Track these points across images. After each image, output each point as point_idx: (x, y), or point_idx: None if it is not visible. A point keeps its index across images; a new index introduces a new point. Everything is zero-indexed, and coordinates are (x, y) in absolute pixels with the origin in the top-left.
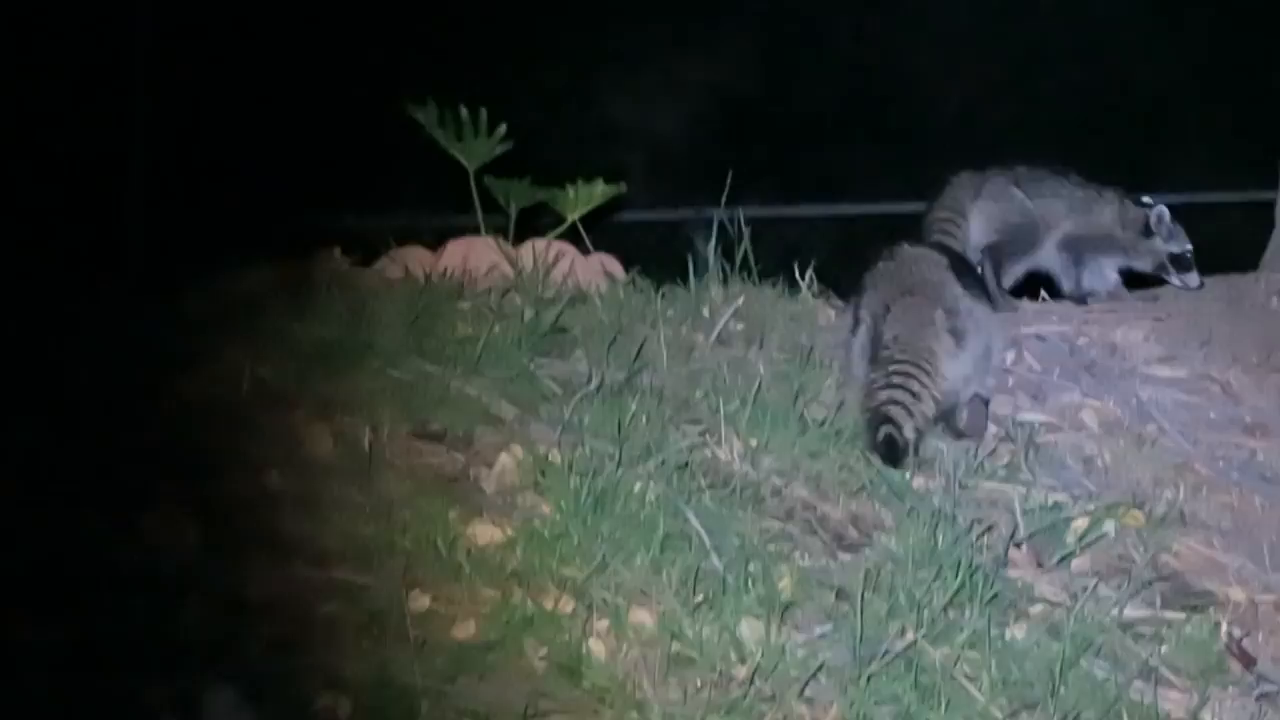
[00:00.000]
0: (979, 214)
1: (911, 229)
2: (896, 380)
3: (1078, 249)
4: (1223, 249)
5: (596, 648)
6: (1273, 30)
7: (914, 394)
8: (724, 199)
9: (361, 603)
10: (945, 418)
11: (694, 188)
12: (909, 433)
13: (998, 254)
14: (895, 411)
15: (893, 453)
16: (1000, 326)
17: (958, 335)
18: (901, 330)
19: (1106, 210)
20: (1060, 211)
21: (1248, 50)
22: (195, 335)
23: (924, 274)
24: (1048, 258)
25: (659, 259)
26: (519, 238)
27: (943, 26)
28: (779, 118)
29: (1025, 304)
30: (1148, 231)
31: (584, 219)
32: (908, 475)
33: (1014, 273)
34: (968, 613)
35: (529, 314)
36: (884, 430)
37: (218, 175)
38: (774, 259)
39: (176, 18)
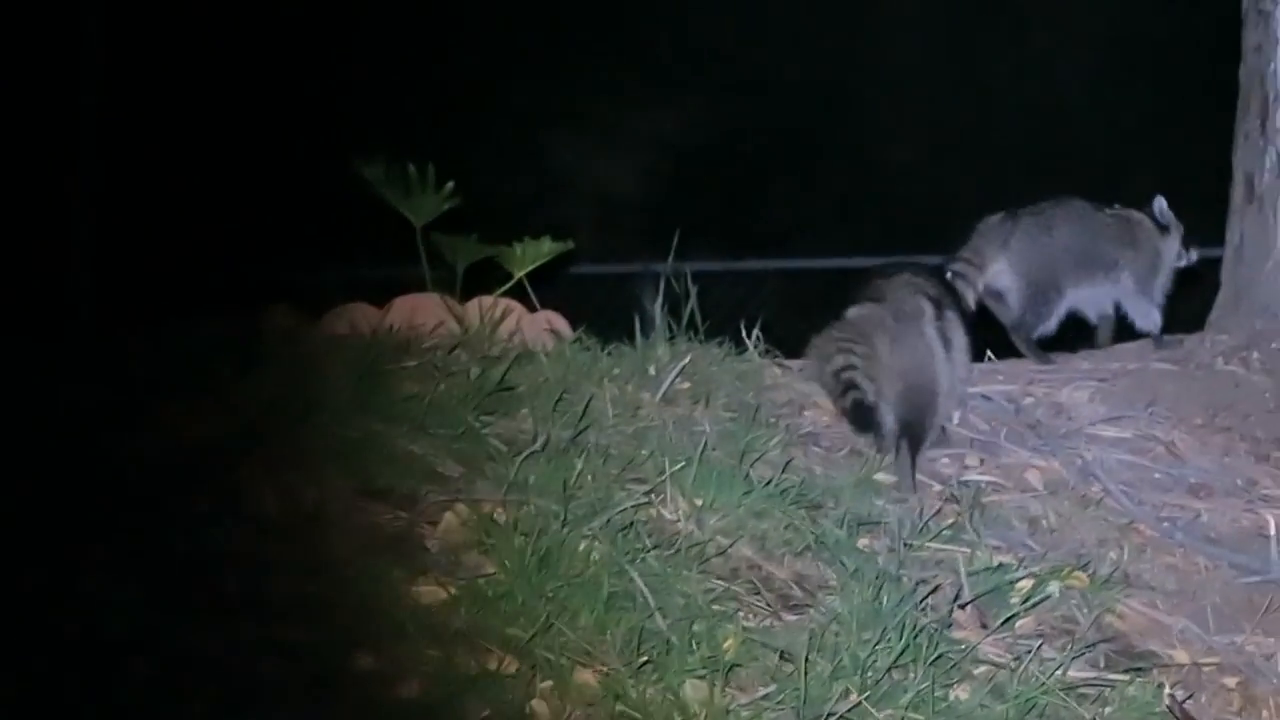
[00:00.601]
0: (1006, 262)
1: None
2: (845, 346)
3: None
4: (1169, 308)
5: (540, 708)
6: (1219, 92)
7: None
8: (671, 255)
9: (305, 662)
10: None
11: (641, 244)
12: (871, 396)
13: (1026, 305)
14: (855, 376)
15: (860, 416)
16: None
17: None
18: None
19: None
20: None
21: (1194, 111)
22: (141, 390)
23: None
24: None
25: (606, 316)
26: (466, 295)
27: (890, 84)
28: (726, 174)
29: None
30: (1162, 229)
31: (531, 276)
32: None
33: (1051, 317)
34: (912, 674)
35: (475, 372)
36: (851, 396)
37: (166, 230)
38: (721, 315)
39: (127, 72)
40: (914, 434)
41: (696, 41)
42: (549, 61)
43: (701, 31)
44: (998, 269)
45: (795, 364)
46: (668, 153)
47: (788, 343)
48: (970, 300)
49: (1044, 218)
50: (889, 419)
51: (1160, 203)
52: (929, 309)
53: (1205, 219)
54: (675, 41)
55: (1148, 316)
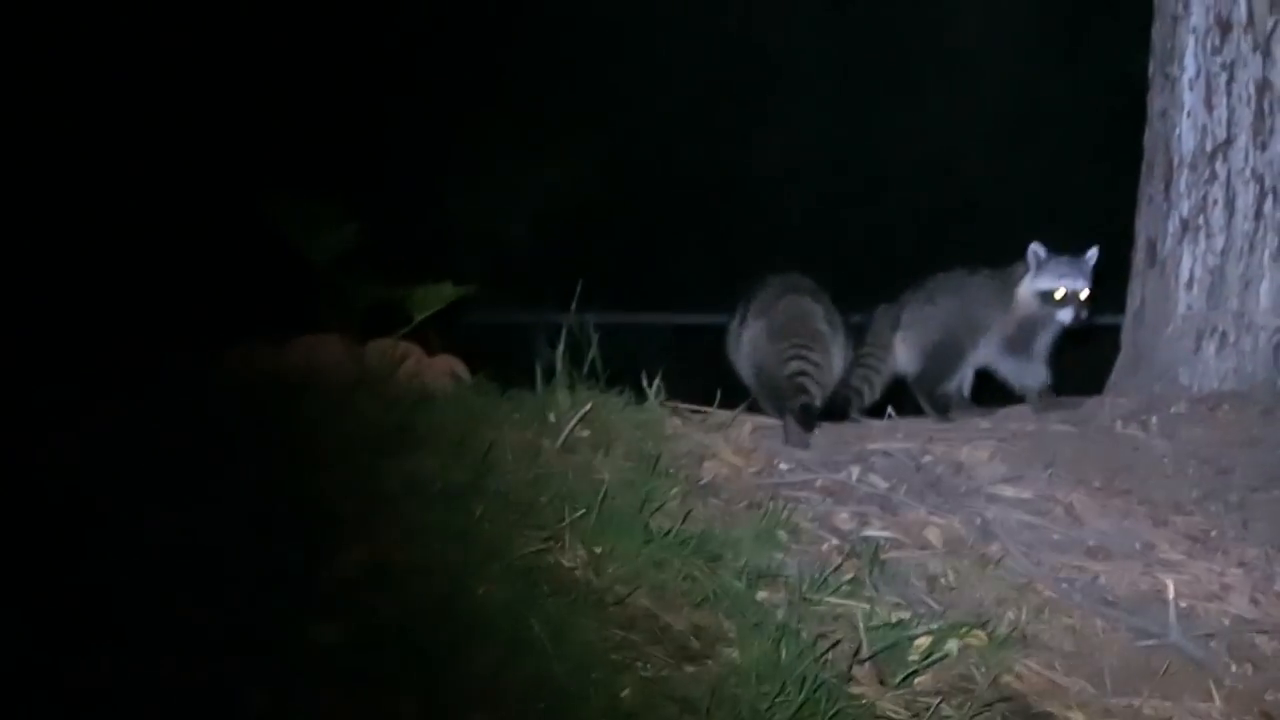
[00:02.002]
0: (902, 344)
1: None
2: (800, 353)
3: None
4: (1070, 374)
5: None
6: (1120, 157)
7: (816, 365)
8: (573, 305)
9: (198, 699)
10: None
11: (542, 293)
12: (818, 401)
13: (926, 379)
14: (805, 381)
15: (809, 419)
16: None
17: (833, 325)
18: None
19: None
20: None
21: (1095, 177)
22: (21, 437)
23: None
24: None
25: (506, 363)
26: (366, 338)
27: (789, 142)
28: (623, 228)
29: (872, 423)
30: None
31: (432, 323)
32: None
33: (952, 376)
34: None
35: (374, 413)
36: (800, 400)
37: (59, 266)
38: (617, 366)
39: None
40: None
41: (594, 96)
42: (448, 112)
43: (599, 86)
44: (898, 349)
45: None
46: (563, 206)
47: (681, 396)
48: (879, 385)
49: (925, 290)
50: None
51: (1033, 248)
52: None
53: (1104, 284)
54: (573, 94)
55: (1021, 376)
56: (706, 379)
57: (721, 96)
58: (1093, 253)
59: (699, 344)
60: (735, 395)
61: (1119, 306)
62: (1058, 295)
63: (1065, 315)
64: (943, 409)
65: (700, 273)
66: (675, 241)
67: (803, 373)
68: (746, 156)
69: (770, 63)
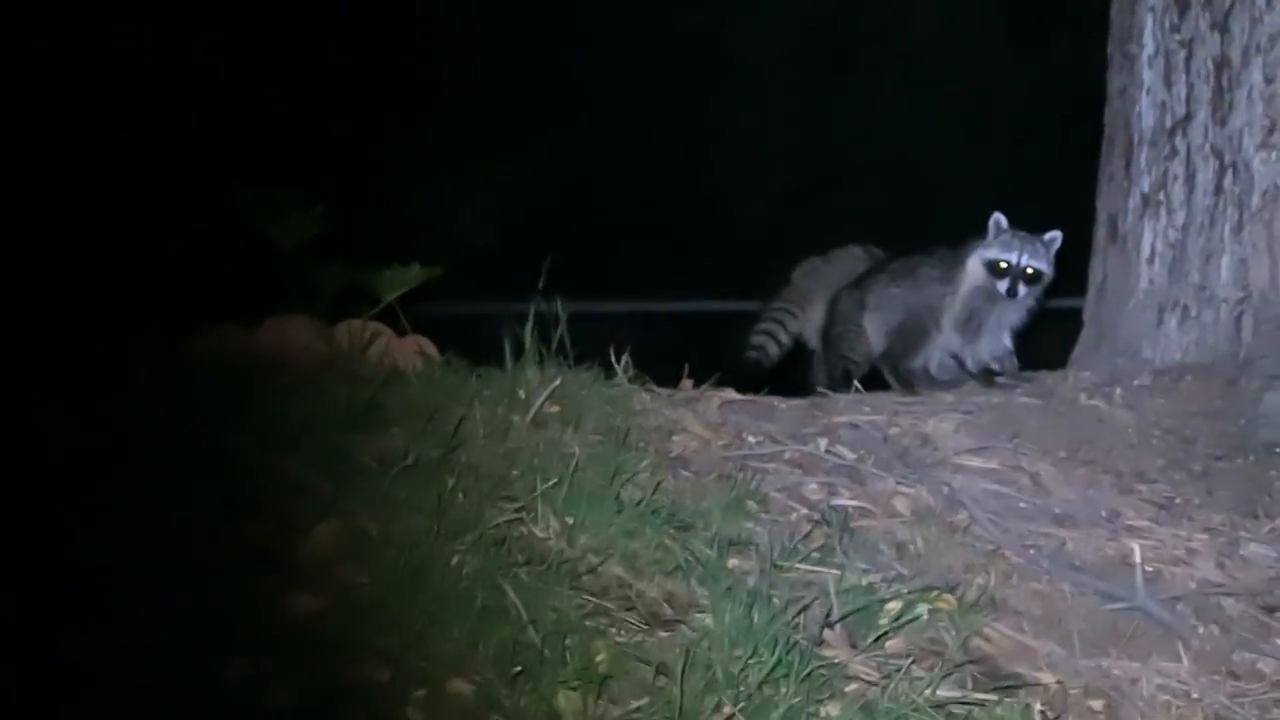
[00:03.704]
0: (869, 324)
1: (718, 326)
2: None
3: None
4: (1035, 353)
5: (414, 716)
6: (1079, 143)
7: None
8: (540, 285)
9: (175, 672)
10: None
11: (509, 281)
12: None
13: (891, 356)
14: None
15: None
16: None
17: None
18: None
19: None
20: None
21: (1053, 164)
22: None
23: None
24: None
25: (476, 345)
26: (335, 319)
27: (746, 136)
28: (584, 219)
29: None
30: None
31: (401, 307)
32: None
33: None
34: (784, 690)
35: (345, 391)
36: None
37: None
38: (587, 349)
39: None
40: None
41: (559, 88)
42: (417, 104)
43: (564, 79)
44: (867, 328)
45: (664, 390)
46: (530, 196)
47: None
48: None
49: (888, 272)
50: None
51: (996, 216)
52: None
53: (1067, 268)
54: (538, 87)
55: (978, 353)
56: (674, 364)
57: (683, 90)
58: (1053, 235)
59: (664, 331)
60: (701, 376)
61: (1082, 289)
62: (1001, 265)
63: (1001, 285)
64: (909, 384)
65: (664, 263)
66: (639, 232)
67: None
68: (708, 149)
69: (731, 55)
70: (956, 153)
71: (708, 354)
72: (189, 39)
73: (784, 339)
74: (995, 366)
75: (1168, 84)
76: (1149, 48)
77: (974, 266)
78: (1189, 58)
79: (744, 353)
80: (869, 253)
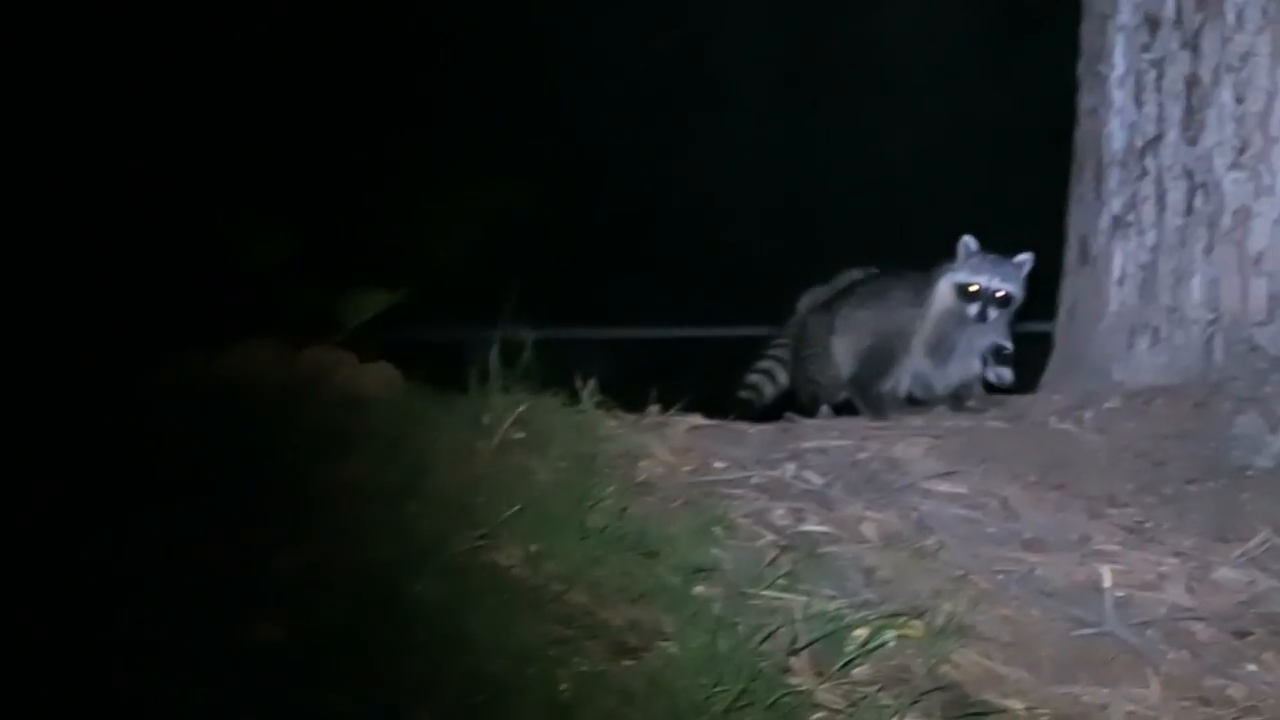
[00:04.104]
0: (838, 348)
1: (695, 352)
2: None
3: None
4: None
5: None
6: (1057, 164)
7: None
8: (508, 310)
9: (136, 704)
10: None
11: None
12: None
13: (860, 380)
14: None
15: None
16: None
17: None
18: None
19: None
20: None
21: (1031, 185)
22: None
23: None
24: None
25: (442, 372)
26: (300, 345)
27: (725, 159)
28: (556, 246)
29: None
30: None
31: (367, 333)
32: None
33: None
34: (749, 717)
35: (308, 417)
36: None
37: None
38: (555, 376)
39: None
40: None
41: (530, 114)
42: (388, 128)
43: (537, 103)
44: (835, 352)
45: (631, 415)
46: (501, 223)
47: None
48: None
49: (857, 296)
50: None
51: (965, 240)
52: None
53: (1037, 293)
54: (511, 111)
55: (948, 379)
56: (651, 390)
57: (659, 113)
58: (1023, 257)
59: (639, 357)
60: (669, 398)
61: (1054, 312)
62: (971, 288)
63: (972, 309)
64: (878, 409)
65: (638, 288)
66: (614, 257)
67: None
68: (684, 173)
69: (706, 78)
70: (935, 175)
71: (684, 380)
72: (156, 59)
73: (782, 379)
74: (965, 391)
75: (1138, 104)
76: (1119, 67)
77: (944, 289)
78: (1159, 77)
79: (737, 391)
80: (869, 275)
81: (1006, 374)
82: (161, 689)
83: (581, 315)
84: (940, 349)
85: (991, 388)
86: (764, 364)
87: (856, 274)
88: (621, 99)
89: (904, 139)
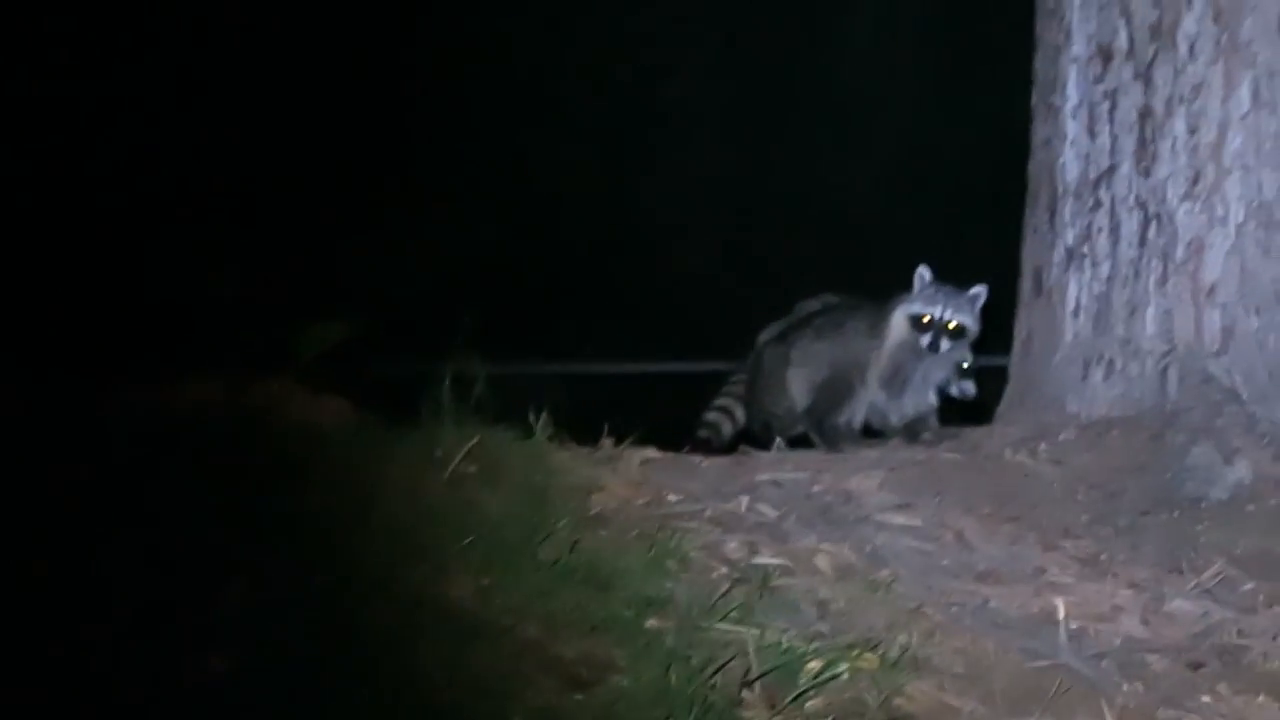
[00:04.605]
0: (793, 380)
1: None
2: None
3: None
4: (964, 410)
5: None
6: (1007, 200)
7: None
8: (460, 349)
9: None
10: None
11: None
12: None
13: (816, 411)
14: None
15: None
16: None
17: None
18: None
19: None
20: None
21: (984, 222)
22: None
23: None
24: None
25: (396, 406)
26: (253, 378)
27: (682, 191)
28: (515, 281)
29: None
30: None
31: (321, 368)
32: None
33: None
34: None
35: (258, 450)
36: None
37: None
38: (511, 411)
39: None
40: None
41: (485, 148)
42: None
43: (490, 137)
44: (791, 384)
45: (584, 448)
46: (457, 259)
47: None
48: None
49: (813, 328)
50: None
51: (920, 270)
52: None
53: (992, 327)
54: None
55: (902, 409)
56: (598, 425)
57: (616, 145)
58: (977, 290)
59: (591, 393)
60: (625, 433)
61: (1008, 346)
62: (925, 319)
63: (924, 340)
64: (833, 441)
65: (595, 323)
66: (571, 292)
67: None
68: (639, 207)
69: (661, 113)
70: (891, 208)
71: (639, 415)
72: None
73: (740, 416)
74: (920, 423)
75: (1091, 135)
76: (1072, 99)
77: (898, 321)
78: (1113, 109)
79: (696, 430)
80: (826, 304)
81: (969, 388)
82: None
83: (536, 350)
84: (895, 381)
85: (954, 402)
86: (722, 401)
87: (814, 305)
88: (577, 132)
89: (861, 171)
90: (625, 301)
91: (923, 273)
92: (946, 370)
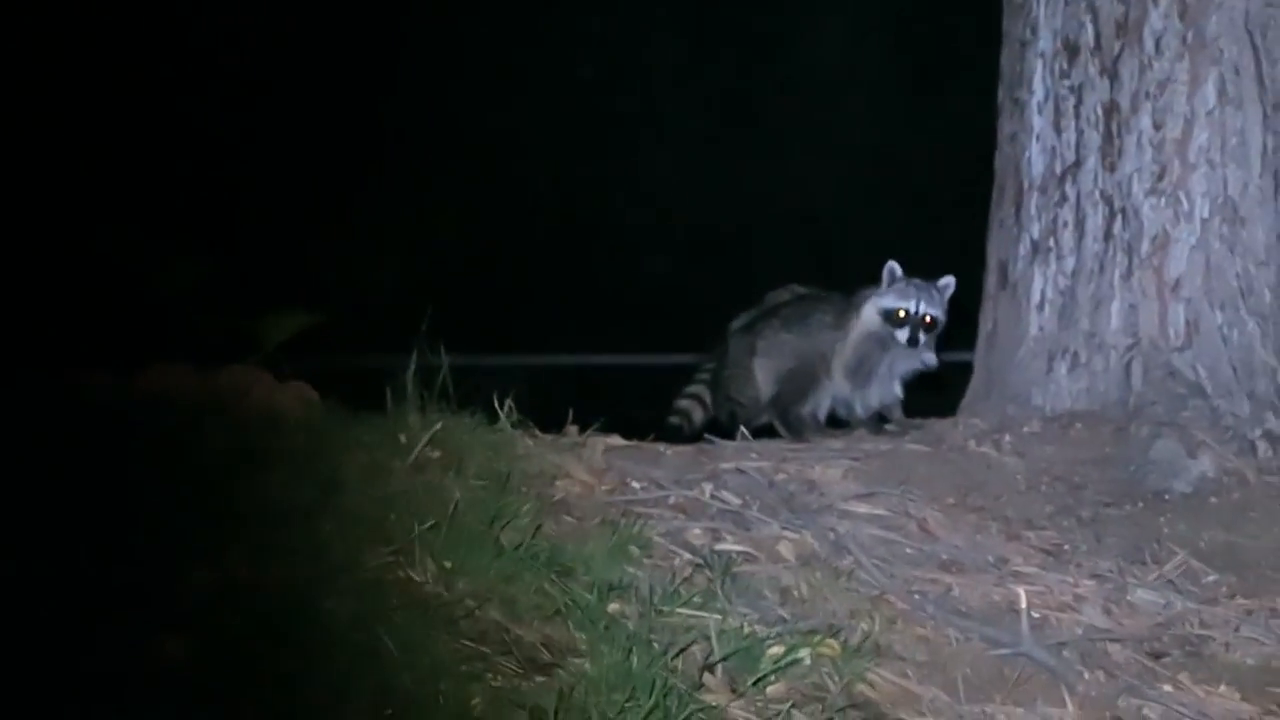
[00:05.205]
0: (759, 369)
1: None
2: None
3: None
4: (929, 403)
5: None
6: (973, 198)
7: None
8: (423, 334)
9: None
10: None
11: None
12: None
13: (781, 401)
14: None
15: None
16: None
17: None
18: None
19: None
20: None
21: (950, 220)
22: None
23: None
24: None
25: (361, 394)
26: (218, 366)
27: (651, 187)
28: (483, 273)
29: (725, 443)
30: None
31: (286, 357)
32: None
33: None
34: None
35: (223, 436)
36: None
37: None
38: (474, 401)
39: None
40: None
41: (453, 143)
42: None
43: (459, 132)
44: (756, 373)
45: (548, 436)
46: (423, 249)
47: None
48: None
49: (780, 318)
50: None
51: (890, 265)
52: None
53: (957, 322)
54: (433, 142)
55: (867, 400)
56: (564, 416)
57: (584, 141)
58: (946, 281)
59: (557, 384)
60: (590, 423)
61: (972, 342)
62: (900, 314)
63: (901, 334)
64: (797, 431)
65: (563, 316)
66: (539, 285)
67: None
68: (609, 201)
69: (632, 108)
70: (858, 205)
71: (604, 407)
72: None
73: (710, 402)
74: (885, 414)
75: (1057, 130)
76: (1039, 94)
77: (869, 314)
78: (1078, 104)
79: (666, 417)
80: (795, 294)
81: (931, 358)
82: (68, 704)
83: (503, 342)
84: (860, 372)
85: (920, 391)
86: (694, 389)
87: (783, 295)
88: (546, 127)
89: (827, 166)
90: (592, 295)
91: (893, 267)
92: (913, 363)
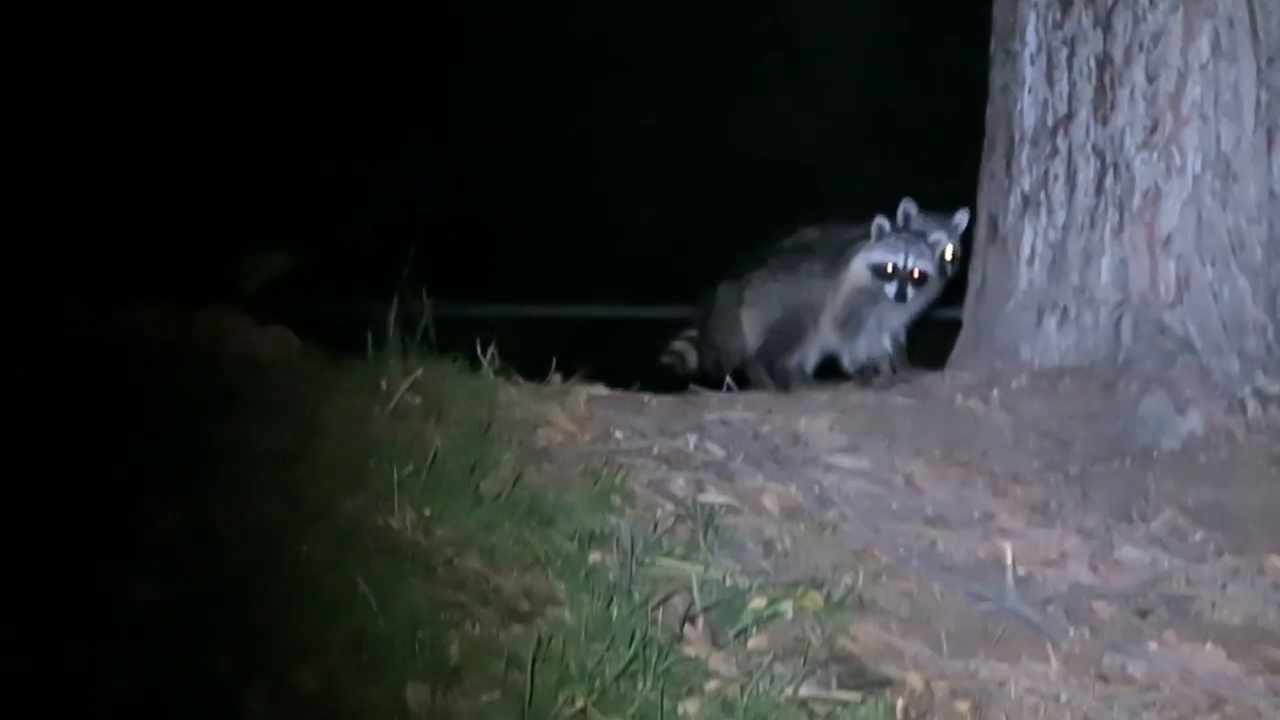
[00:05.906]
0: (746, 319)
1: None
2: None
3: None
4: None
5: (254, 706)
6: (964, 150)
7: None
8: (405, 280)
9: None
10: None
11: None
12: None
13: (766, 352)
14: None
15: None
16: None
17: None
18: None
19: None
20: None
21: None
22: None
23: None
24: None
25: (342, 339)
26: (196, 308)
27: (639, 138)
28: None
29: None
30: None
31: (274, 303)
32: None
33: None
34: (640, 684)
35: (200, 378)
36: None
37: None
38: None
39: None
40: None
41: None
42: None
43: (446, 81)
44: (744, 323)
45: (531, 384)
46: (409, 198)
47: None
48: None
49: (767, 267)
50: None
51: (878, 220)
52: None
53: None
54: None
55: (855, 352)
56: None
57: (572, 92)
58: (959, 218)
59: (542, 335)
60: (573, 371)
61: (961, 294)
62: (888, 268)
63: (890, 289)
64: (783, 383)
65: (549, 267)
66: (525, 235)
67: None
68: (596, 152)
69: (621, 57)
70: (849, 155)
71: (589, 357)
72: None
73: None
74: (873, 367)
75: (1049, 82)
76: (1031, 45)
77: (858, 268)
78: (1071, 56)
79: (659, 356)
80: (799, 240)
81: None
82: (37, 645)
83: (488, 291)
84: (849, 325)
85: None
86: (691, 332)
87: (814, 232)
88: (534, 78)
89: (817, 118)
90: (578, 245)
91: (881, 223)
92: (903, 317)
